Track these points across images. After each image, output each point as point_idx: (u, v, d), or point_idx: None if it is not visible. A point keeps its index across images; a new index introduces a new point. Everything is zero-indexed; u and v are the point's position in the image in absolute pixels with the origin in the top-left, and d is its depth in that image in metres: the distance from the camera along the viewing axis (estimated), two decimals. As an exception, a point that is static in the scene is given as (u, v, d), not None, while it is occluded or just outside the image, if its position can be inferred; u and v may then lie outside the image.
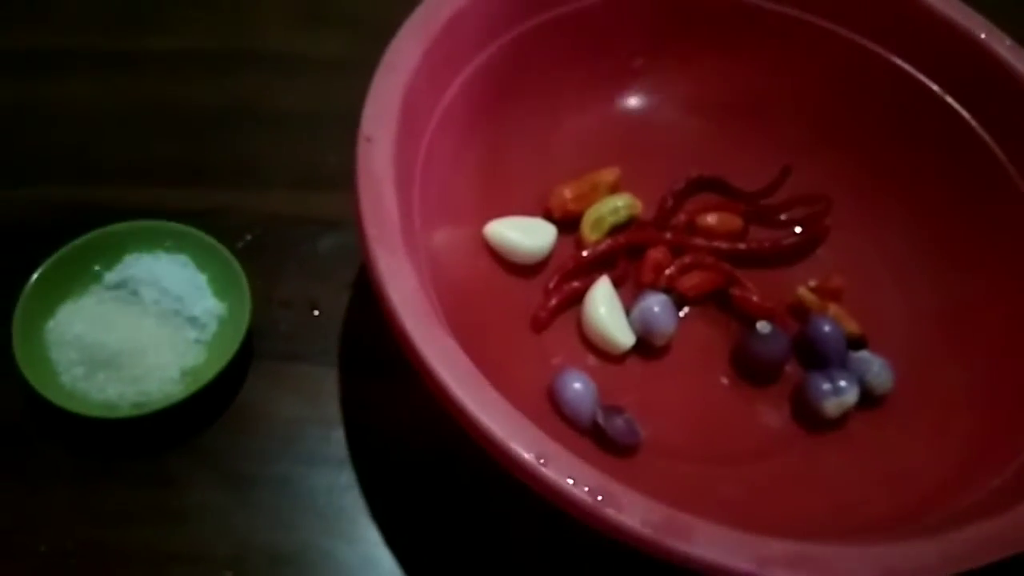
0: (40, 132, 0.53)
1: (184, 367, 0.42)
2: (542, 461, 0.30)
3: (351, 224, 0.48)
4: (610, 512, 0.29)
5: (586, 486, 0.30)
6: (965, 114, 0.44)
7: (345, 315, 0.46)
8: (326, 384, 0.44)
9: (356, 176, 0.35)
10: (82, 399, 0.40)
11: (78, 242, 0.44)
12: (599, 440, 0.40)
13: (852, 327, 0.45)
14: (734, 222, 0.48)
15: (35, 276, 0.42)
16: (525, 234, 0.45)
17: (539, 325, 0.44)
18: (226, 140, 0.53)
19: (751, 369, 0.44)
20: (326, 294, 0.47)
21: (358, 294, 0.47)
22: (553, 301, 0.44)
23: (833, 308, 0.45)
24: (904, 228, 0.47)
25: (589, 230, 0.46)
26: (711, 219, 0.48)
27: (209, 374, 0.41)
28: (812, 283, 0.46)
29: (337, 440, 0.42)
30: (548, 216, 0.47)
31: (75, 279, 0.43)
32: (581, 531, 0.31)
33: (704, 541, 0.29)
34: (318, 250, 0.49)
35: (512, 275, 0.45)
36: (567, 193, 0.47)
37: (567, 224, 0.47)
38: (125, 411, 0.40)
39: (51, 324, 0.42)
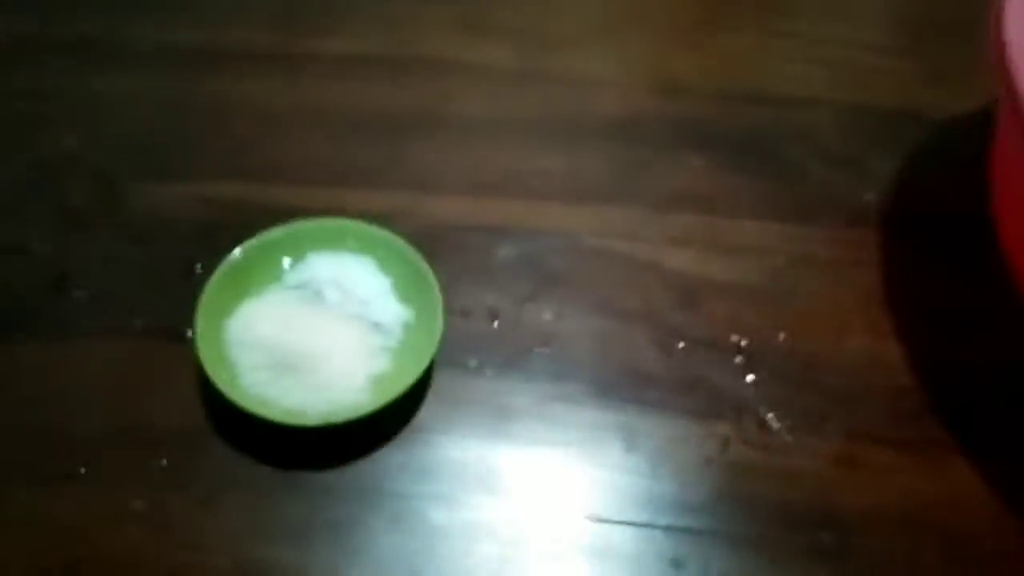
0: (209, 128, 0.51)
1: (370, 374, 0.39)
2: None
3: (525, 233, 0.47)
4: None
5: None
6: None
7: (524, 326, 0.43)
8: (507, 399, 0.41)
9: None
10: (264, 403, 0.38)
11: (268, 236, 0.42)
12: None
13: None
14: None
15: (221, 270, 0.40)
16: None
17: None
18: (401, 145, 0.51)
19: None
20: (504, 304, 0.44)
21: (536, 304, 0.44)
22: None
23: None
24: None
25: None
26: None
27: (399, 383, 0.38)
28: None
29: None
30: None
31: (256, 276, 0.41)
32: None
33: None
34: (495, 258, 0.46)
35: None
36: None
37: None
38: (312, 420, 0.37)
39: (230, 322, 0.40)
